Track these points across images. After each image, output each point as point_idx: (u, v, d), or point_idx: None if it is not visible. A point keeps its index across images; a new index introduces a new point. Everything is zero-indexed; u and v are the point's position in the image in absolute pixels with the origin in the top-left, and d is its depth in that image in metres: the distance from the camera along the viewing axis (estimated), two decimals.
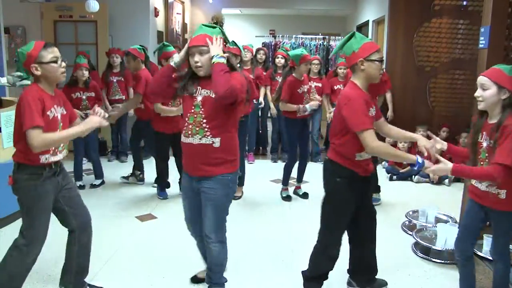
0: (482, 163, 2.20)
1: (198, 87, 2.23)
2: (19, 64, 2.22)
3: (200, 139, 2.21)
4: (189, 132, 2.23)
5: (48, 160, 2.25)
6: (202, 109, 2.21)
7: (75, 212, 2.45)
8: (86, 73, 4.51)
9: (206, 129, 2.20)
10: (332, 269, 2.47)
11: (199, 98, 2.22)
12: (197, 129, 2.21)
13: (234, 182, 2.34)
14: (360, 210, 2.42)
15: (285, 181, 4.50)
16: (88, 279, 2.64)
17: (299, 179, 4.60)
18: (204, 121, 2.20)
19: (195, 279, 2.72)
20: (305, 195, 4.54)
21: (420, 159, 2.16)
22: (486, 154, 2.17)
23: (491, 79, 2.15)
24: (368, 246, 2.57)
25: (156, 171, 4.40)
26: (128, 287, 2.68)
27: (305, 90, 4.26)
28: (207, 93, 2.21)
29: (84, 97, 4.56)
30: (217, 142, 2.20)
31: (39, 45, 2.19)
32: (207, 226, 2.32)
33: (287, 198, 4.42)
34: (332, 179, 2.42)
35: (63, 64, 2.27)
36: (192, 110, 2.23)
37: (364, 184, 2.39)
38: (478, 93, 2.20)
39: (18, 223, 3.52)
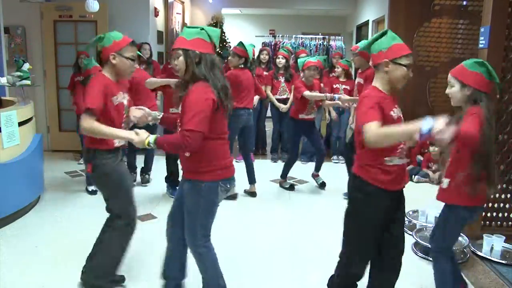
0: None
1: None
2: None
3: None
4: None
5: (119, 143, 2.39)
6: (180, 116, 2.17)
7: None
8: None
9: None
10: None
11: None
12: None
13: (209, 191, 2.16)
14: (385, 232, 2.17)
15: (285, 175, 4.73)
16: None
17: (318, 168, 4.80)
18: (179, 129, 2.14)
19: None
20: (322, 185, 4.77)
21: (426, 126, 1.79)
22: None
23: (454, 76, 2.23)
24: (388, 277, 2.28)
25: (170, 170, 4.38)
26: (128, 287, 2.67)
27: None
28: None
29: (81, 79, 4.94)
30: None
31: (127, 39, 2.37)
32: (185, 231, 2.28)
33: (291, 188, 4.67)
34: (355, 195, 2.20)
35: (136, 65, 2.44)
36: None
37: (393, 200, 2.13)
38: (447, 90, 2.28)
39: (18, 223, 3.56)
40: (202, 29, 2.14)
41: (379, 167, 2.05)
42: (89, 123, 2.19)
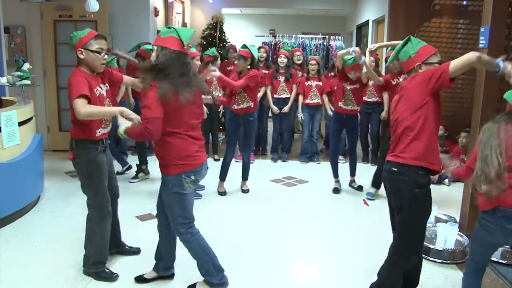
0: None
1: None
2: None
3: None
4: None
5: (101, 134, 2.57)
6: None
7: (112, 185, 2.82)
8: None
9: None
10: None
11: None
12: None
13: (175, 184, 2.33)
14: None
15: (336, 173, 4.65)
16: (87, 279, 2.68)
17: (353, 172, 4.73)
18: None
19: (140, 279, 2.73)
20: (359, 188, 4.65)
21: (501, 62, 2.08)
22: None
23: None
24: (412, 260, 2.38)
25: None
26: (128, 287, 2.68)
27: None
28: None
29: None
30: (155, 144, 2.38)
31: (91, 34, 2.51)
32: None
33: (336, 191, 4.56)
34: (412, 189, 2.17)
35: (105, 56, 2.53)
36: None
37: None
38: None
39: (18, 223, 3.56)
40: (175, 29, 2.27)
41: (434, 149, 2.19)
42: (87, 108, 2.35)
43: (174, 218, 2.42)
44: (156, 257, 2.69)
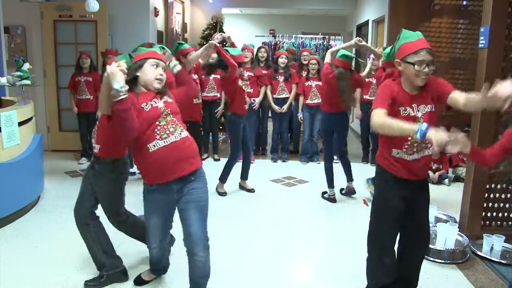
0: None
1: None
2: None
3: None
4: None
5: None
6: None
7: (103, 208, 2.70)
8: (87, 61, 5.35)
9: None
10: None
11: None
12: None
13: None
14: (407, 219, 2.31)
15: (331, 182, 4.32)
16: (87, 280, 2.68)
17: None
18: None
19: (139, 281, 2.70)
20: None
21: (423, 126, 1.80)
22: None
23: None
24: (408, 256, 2.44)
25: None
26: (128, 286, 2.68)
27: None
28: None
29: (83, 79, 5.36)
30: None
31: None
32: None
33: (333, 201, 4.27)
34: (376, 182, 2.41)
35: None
36: None
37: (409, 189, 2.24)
38: None
39: (18, 223, 3.56)
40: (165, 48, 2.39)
41: (388, 156, 2.22)
42: None
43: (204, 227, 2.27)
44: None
